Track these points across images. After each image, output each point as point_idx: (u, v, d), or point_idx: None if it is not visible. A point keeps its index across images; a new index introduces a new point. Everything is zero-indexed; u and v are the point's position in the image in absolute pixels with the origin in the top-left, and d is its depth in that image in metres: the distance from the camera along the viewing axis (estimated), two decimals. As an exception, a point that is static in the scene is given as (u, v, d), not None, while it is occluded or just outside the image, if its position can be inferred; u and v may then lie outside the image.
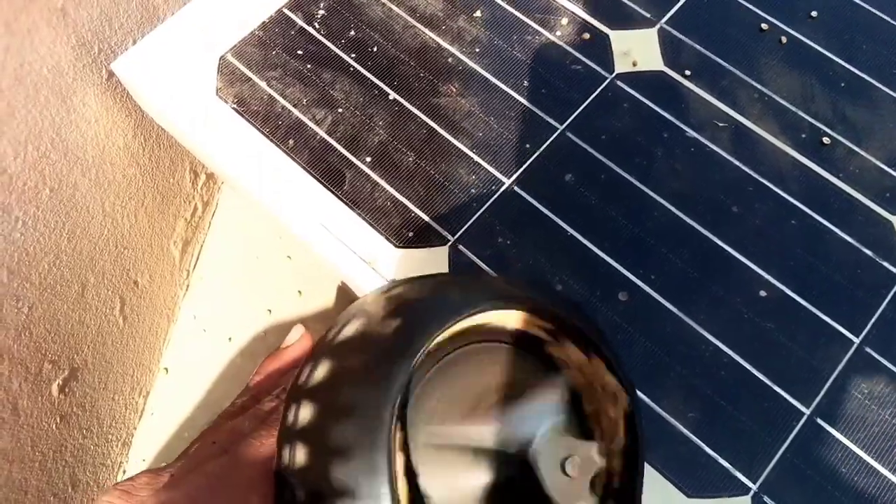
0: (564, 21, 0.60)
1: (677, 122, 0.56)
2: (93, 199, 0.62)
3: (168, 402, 0.75)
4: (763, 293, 0.50)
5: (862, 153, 0.55)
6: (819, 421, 0.47)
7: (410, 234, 0.52)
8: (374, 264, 0.51)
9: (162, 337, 0.77)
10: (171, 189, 0.75)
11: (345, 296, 0.78)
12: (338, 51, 0.59)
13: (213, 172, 0.81)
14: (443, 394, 0.24)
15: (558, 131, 0.56)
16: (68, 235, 0.59)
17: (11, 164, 0.51)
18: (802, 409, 0.47)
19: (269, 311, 0.79)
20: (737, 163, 0.55)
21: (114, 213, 0.65)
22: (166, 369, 0.76)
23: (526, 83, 0.58)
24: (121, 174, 0.65)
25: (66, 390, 0.60)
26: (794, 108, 0.57)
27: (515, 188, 0.54)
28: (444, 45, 0.59)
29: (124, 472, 0.72)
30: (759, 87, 0.57)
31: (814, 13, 0.61)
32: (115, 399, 0.70)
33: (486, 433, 0.23)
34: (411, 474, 0.23)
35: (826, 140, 0.55)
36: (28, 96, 0.52)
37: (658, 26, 0.60)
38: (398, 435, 0.22)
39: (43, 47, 0.54)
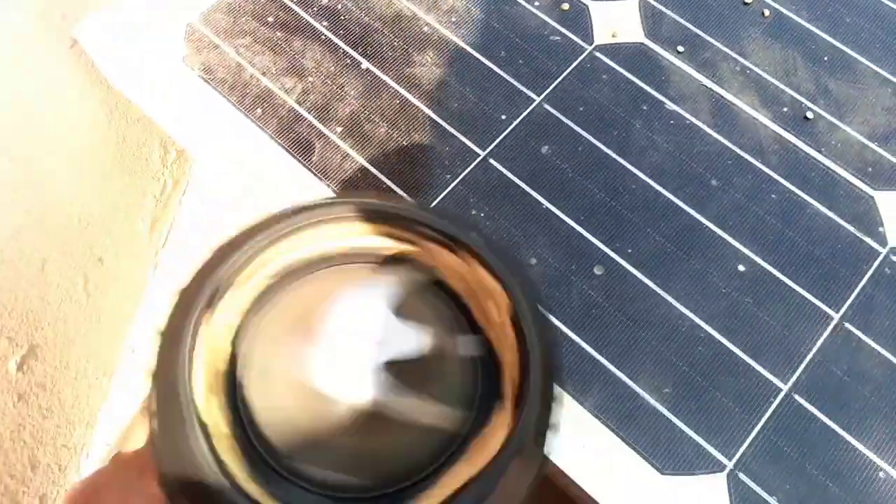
0: (543, -9, 0.58)
1: (657, 95, 0.55)
2: (55, 172, 0.59)
3: (133, 384, 0.73)
4: (742, 268, 0.49)
5: (844, 127, 0.54)
6: (797, 398, 0.46)
7: (381, 205, 0.51)
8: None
9: (128, 316, 0.75)
10: (139, 164, 0.72)
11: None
12: (309, 18, 0.57)
13: (184, 149, 0.79)
14: (282, 324, 0.23)
15: (535, 103, 0.54)
16: (29, 208, 0.57)
17: (-37, 129, 0.49)
18: (780, 385, 0.46)
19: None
20: (717, 136, 0.53)
21: (78, 188, 0.63)
22: (132, 349, 0.74)
23: (503, 54, 0.56)
24: (86, 147, 0.63)
25: (25, 368, 0.58)
26: (776, 82, 0.55)
27: (490, 160, 0.52)
28: (420, 13, 0.57)
29: (87, 454, 0.69)
30: (741, 59, 0.56)
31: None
32: (77, 379, 0.68)
33: (325, 357, 0.22)
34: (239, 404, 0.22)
35: (809, 115, 0.54)
36: (-18, 60, 0.50)
37: (639, -2, 0.59)
38: (198, 357, 0.21)
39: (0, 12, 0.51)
